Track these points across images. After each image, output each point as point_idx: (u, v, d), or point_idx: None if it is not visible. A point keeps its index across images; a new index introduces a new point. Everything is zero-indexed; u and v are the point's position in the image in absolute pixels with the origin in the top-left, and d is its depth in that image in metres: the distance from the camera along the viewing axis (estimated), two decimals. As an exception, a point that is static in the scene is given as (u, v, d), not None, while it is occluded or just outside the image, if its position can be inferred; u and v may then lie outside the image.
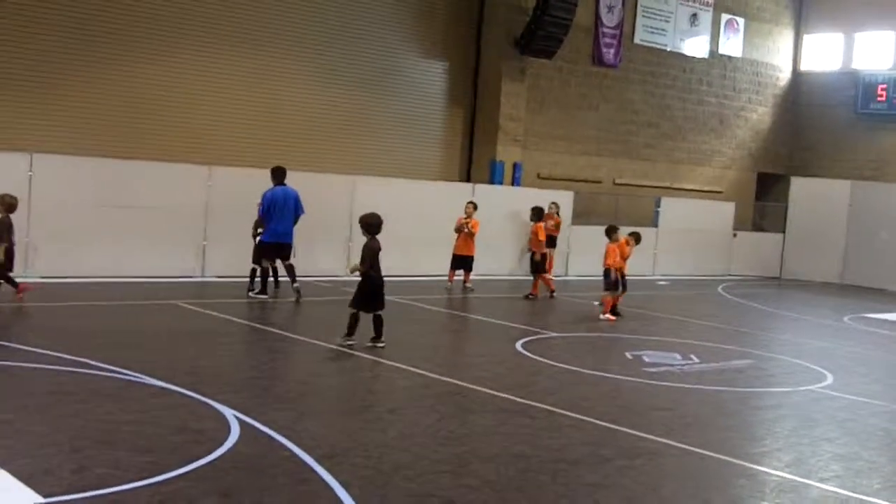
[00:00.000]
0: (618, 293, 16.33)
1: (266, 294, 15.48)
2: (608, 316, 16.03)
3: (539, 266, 18.31)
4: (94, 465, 6.53)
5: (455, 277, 18.84)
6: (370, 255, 11.61)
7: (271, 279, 15.77)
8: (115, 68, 19.33)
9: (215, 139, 20.49)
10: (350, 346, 11.44)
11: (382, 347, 11.55)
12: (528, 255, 19.04)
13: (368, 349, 11.48)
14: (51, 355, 9.87)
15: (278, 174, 15.62)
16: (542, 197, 22.15)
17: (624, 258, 16.40)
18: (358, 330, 11.58)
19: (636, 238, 16.93)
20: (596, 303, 16.86)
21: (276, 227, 15.31)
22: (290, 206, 15.45)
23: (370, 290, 11.62)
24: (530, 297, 18.13)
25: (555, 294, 18.39)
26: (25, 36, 18.33)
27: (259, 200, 15.62)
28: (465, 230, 18.64)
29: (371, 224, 11.82)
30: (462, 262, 18.77)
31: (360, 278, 11.72)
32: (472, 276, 18.87)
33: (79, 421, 7.58)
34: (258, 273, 15.67)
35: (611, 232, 16.54)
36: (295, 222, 15.59)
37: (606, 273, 16.31)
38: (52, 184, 15.77)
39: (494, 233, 21.23)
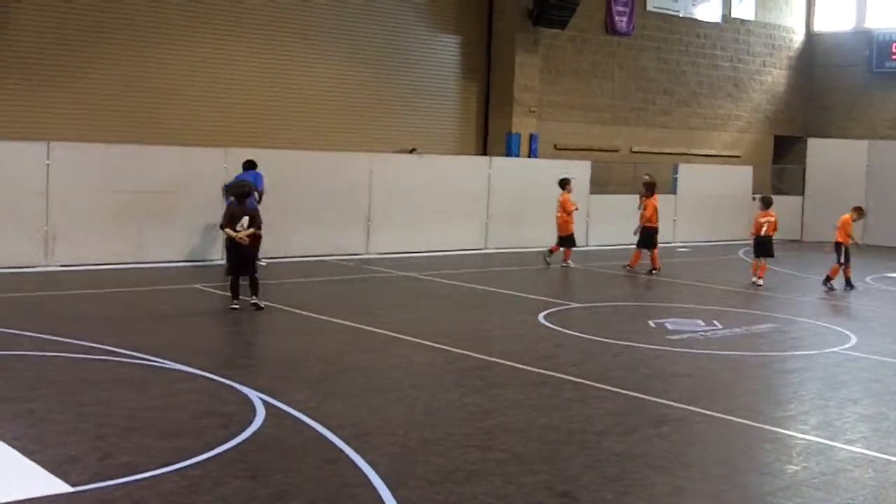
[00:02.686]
0: (842, 266, 16.72)
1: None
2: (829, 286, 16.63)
3: (653, 241, 18.20)
4: (119, 453, 6.56)
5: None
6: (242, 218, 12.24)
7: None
8: (129, 55, 19.33)
9: (231, 122, 20.48)
10: (235, 309, 12.24)
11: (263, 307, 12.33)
12: (640, 228, 18.39)
13: (387, 325, 11.49)
14: (72, 343, 9.92)
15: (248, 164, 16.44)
16: (557, 168, 22.15)
17: (847, 234, 16.80)
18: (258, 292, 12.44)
19: (860, 212, 17.59)
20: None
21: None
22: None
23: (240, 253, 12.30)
24: (653, 271, 17.97)
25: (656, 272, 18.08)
26: (41, 26, 18.34)
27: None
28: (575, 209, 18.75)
29: (242, 193, 12.53)
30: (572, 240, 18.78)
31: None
32: (495, 249, 18.85)
33: (103, 408, 7.62)
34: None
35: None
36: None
37: (836, 247, 16.80)
38: (69, 172, 15.80)
39: (513, 205, 21.19)
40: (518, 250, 20.84)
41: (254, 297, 12.34)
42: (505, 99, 24.63)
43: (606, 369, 9.85)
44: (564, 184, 18.77)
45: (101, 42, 19.00)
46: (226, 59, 20.57)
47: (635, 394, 8.81)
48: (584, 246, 22.28)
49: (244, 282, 12.49)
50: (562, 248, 18.66)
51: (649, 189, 18.44)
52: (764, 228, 16.91)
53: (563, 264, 18.51)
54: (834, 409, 8.66)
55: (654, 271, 17.94)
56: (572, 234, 18.71)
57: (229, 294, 12.52)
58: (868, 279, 18.53)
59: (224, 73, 20.54)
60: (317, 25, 21.85)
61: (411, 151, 22.38)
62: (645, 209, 18.23)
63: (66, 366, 9.07)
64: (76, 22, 18.70)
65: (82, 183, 15.96)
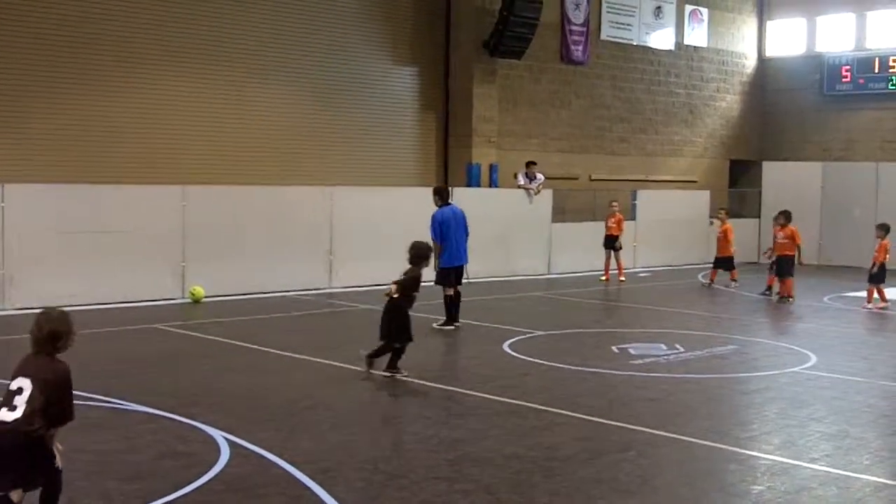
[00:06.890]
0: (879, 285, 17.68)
1: (453, 323, 14.43)
2: (871, 306, 17.35)
3: (788, 269, 18.29)
4: (82, 497, 6.48)
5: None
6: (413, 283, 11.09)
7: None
8: (80, 94, 19.16)
9: (187, 159, 20.34)
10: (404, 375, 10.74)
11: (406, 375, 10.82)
12: (774, 258, 18.78)
13: (351, 359, 11.45)
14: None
15: (443, 193, 14.92)
16: (519, 196, 22.27)
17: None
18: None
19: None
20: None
21: (451, 249, 14.59)
22: (461, 225, 14.81)
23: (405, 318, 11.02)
24: (788, 299, 18.03)
25: (770, 293, 18.78)
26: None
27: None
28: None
29: (421, 256, 11.36)
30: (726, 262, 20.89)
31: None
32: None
33: (65, 452, 7.50)
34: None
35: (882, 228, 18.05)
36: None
37: (872, 266, 17.73)
38: (24, 213, 15.62)
39: (476, 235, 21.19)
40: (480, 280, 20.87)
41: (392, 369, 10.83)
42: (464, 129, 24.75)
43: (571, 396, 9.88)
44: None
45: (51, 81, 18.80)
46: (180, 95, 20.46)
47: (601, 419, 8.84)
48: (545, 274, 22.40)
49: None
50: (722, 271, 20.90)
51: (787, 217, 18.64)
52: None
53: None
54: (796, 429, 8.74)
55: (789, 299, 17.99)
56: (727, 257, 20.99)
57: (373, 355, 10.84)
58: (826, 298, 18.77)
59: (178, 110, 20.40)
60: (271, 60, 21.82)
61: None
62: (789, 239, 18.38)
63: (27, 410, 8.93)
64: (24, 62, 18.52)
65: (37, 224, 15.76)
